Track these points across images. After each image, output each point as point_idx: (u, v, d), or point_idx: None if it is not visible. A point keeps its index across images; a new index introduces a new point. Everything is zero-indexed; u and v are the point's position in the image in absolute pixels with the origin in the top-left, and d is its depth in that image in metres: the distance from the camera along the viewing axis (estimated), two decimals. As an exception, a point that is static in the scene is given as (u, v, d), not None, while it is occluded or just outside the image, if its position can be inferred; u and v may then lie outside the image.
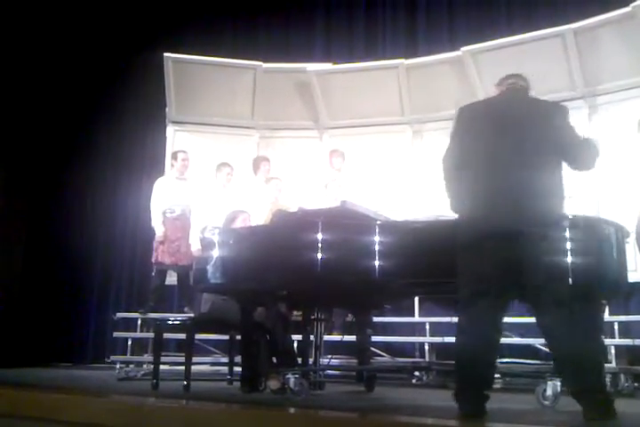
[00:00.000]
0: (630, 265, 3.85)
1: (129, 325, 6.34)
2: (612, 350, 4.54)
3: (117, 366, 5.60)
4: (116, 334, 6.13)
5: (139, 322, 5.91)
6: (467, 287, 2.77)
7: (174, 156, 6.17)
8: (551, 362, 4.78)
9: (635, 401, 4.01)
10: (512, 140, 2.82)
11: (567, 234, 2.87)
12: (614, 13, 5.43)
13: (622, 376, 4.44)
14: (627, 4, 5.30)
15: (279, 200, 5.67)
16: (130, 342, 5.82)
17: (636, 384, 4.44)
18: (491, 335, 2.72)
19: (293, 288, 3.64)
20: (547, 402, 3.16)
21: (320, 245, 3.36)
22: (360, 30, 7.42)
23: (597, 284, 3.23)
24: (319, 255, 3.34)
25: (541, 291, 2.66)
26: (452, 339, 4.05)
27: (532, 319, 4.90)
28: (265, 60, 6.72)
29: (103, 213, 7.75)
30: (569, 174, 5.72)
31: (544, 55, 5.76)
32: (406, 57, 6.49)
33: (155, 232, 5.89)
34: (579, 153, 2.87)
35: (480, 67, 6.00)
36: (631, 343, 4.51)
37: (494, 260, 2.70)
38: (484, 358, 2.71)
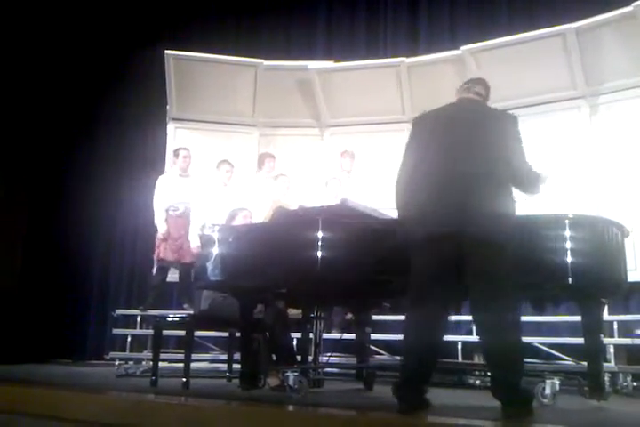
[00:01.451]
0: (630, 264, 3.85)
1: (128, 321, 6.33)
2: (611, 350, 4.54)
3: (116, 362, 5.61)
4: (115, 330, 6.14)
5: (138, 319, 5.92)
6: (412, 286, 2.83)
7: (175, 153, 6.16)
8: (551, 361, 4.82)
9: (633, 400, 4.02)
10: (460, 147, 2.86)
11: (513, 236, 2.79)
12: (615, 13, 5.43)
13: (621, 375, 4.44)
14: (628, 4, 5.30)
15: (285, 197, 5.65)
16: (129, 339, 5.83)
17: (634, 383, 4.44)
18: (432, 335, 2.76)
19: (293, 286, 3.64)
20: (545, 400, 3.17)
21: (320, 242, 3.35)
22: (361, 28, 7.42)
23: (593, 282, 3.23)
24: (319, 253, 3.33)
25: (480, 291, 2.70)
26: (452, 337, 4.08)
27: (532, 319, 4.95)
28: (266, 58, 6.72)
29: (104, 209, 7.74)
30: (569, 171, 5.74)
31: (545, 54, 5.77)
32: (407, 55, 6.51)
33: (157, 229, 5.89)
34: (518, 173, 2.87)
35: (481, 65, 6.00)
36: (630, 343, 4.51)
37: (437, 261, 2.76)
38: (425, 355, 2.76)
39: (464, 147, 2.86)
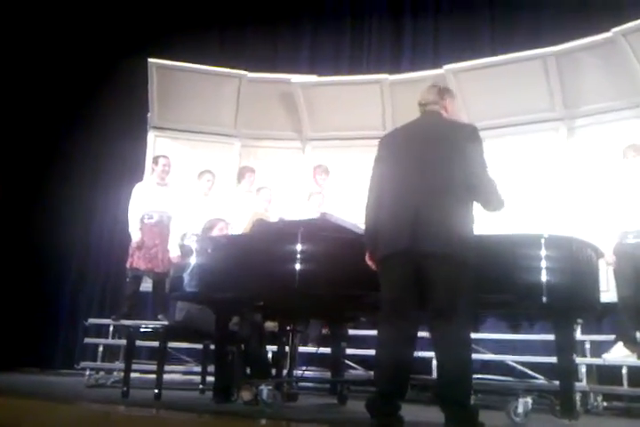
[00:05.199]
0: (602, 286, 3.90)
1: (100, 331, 6.25)
2: (583, 369, 4.58)
3: (87, 372, 5.51)
4: (86, 340, 6.04)
5: (110, 328, 5.83)
6: (381, 303, 2.85)
7: (155, 160, 6.11)
8: (524, 379, 4.85)
9: (603, 420, 4.05)
10: (419, 164, 2.88)
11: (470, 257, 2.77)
12: (595, 38, 5.55)
13: (592, 395, 4.48)
14: (607, 30, 5.42)
15: (268, 211, 5.64)
16: (101, 349, 5.73)
17: (605, 403, 4.48)
18: (401, 351, 2.78)
19: (270, 299, 3.63)
20: (518, 419, 3.19)
21: (299, 256, 3.35)
22: (345, 45, 7.51)
23: (567, 302, 3.26)
24: (297, 266, 3.33)
25: (437, 312, 2.71)
26: (426, 353, 4.08)
27: (506, 337, 4.98)
28: (250, 70, 6.74)
29: (80, 217, 7.67)
30: (545, 192, 5.81)
31: (525, 76, 5.87)
32: (390, 72, 6.57)
33: (131, 238, 5.83)
34: (481, 190, 2.86)
35: (462, 85, 6.08)
36: (602, 363, 4.56)
37: (399, 279, 2.79)
38: (396, 371, 2.77)
39: (423, 164, 2.87)
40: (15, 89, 7.57)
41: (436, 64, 6.45)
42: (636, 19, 5.26)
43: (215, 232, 4.47)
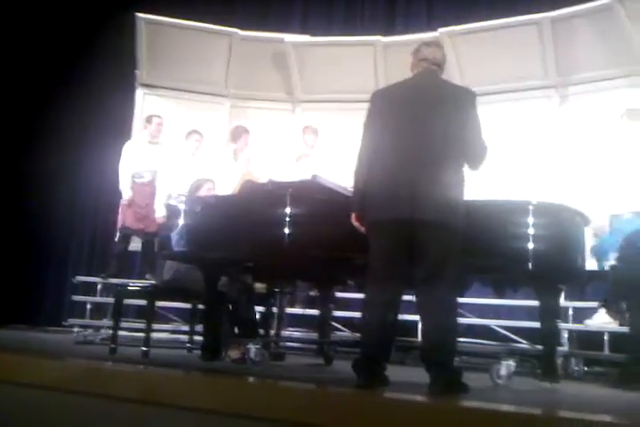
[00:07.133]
0: (588, 253, 3.94)
1: (89, 289, 6.26)
2: (565, 335, 4.67)
3: (75, 329, 5.54)
4: (75, 297, 6.05)
5: (99, 286, 5.85)
6: (369, 267, 2.86)
7: (149, 119, 6.00)
8: (507, 343, 4.95)
9: (584, 384, 4.15)
10: (416, 126, 2.83)
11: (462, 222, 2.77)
12: (592, 4, 5.49)
13: (573, 360, 4.58)
14: (605, -4, 5.36)
15: (249, 171, 5.60)
16: (89, 307, 5.76)
17: (585, 368, 4.58)
18: (387, 313, 2.81)
19: (259, 260, 3.64)
20: (500, 381, 3.26)
21: (288, 218, 3.34)
22: (340, 4, 7.35)
23: (553, 269, 3.29)
24: (286, 228, 3.33)
25: (426, 277, 2.73)
26: (412, 317, 4.14)
27: (491, 302, 5.05)
28: (242, 28, 6.60)
29: (67, 174, 7.58)
30: (535, 159, 5.81)
31: (520, 41, 5.82)
32: (384, 34, 6.47)
33: (121, 196, 5.78)
34: (472, 151, 2.85)
35: (457, 48, 6.02)
36: (584, 328, 4.65)
37: (391, 243, 2.79)
38: (382, 333, 2.81)
39: (418, 127, 2.83)
40: (1, 45, 7.38)
41: (430, 27, 6.38)
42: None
43: (203, 192, 4.45)
